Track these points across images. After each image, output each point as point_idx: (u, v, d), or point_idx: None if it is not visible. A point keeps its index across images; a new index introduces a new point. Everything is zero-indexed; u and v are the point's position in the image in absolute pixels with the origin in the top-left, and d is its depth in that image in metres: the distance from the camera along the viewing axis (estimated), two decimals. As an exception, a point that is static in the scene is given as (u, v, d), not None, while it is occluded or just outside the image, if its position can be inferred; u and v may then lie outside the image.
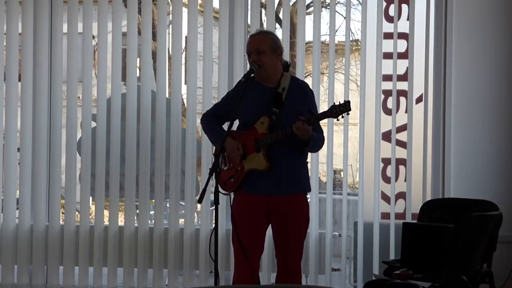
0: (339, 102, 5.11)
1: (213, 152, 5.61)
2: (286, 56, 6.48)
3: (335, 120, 5.24)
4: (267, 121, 5.19)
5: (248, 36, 5.51)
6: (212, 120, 5.46)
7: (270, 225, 5.30)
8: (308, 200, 5.37)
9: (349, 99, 5.17)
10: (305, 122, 5.02)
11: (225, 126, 5.41)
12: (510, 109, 6.53)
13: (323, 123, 5.46)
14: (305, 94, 5.30)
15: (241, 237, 5.13)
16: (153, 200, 6.93)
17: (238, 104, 5.11)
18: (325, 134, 5.40)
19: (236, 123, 5.35)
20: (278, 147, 5.15)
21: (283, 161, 5.17)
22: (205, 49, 6.86)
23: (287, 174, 5.18)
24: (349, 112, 5.07)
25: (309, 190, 5.36)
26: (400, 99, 6.79)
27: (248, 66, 5.34)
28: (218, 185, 5.07)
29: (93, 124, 6.95)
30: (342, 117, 5.11)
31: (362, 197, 6.73)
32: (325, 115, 5.12)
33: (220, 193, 5.03)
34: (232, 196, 5.28)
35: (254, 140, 5.19)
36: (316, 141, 5.17)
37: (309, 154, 5.37)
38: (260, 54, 5.23)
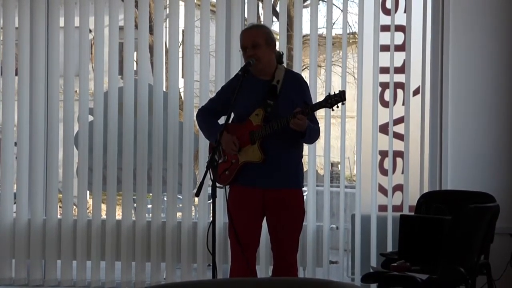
0: (334, 92, 5.09)
1: (209, 145, 5.58)
2: (283, 49, 6.51)
3: (332, 112, 5.23)
4: (262, 113, 5.17)
5: (242, 31, 5.49)
6: (207, 114, 5.45)
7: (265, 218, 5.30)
8: (305, 194, 5.36)
9: (344, 89, 5.14)
10: (300, 114, 5.00)
11: (221, 121, 5.40)
12: (507, 101, 6.53)
13: (320, 115, 5.44)
14: (299, 86, 5.28)
15: (237, 231, 5.13)
16: (151, 194, 6.93)
17: (235, 97, 5.10)
18: (322, 127, 5.39)
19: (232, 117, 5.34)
20: (273, 139, 5.13)
21: (278, 154, 5.15)
22: (202, 42, 6.85)
23: (282, 167, 5.16)
24: (344, 102, 5.05)
25: (303, 186, 5.36)
26: (397, 92, 6.80)
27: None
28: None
29: (90, 118, 6.95)
30: (337, 107, 5.08)
31: (360, 189, 6.74)
32: (320, 105, 5.09)
33: (216, 187, 5.03)
34: (228, 189, 5.28)
35: (249, 133, 5.18)
36: (312, 132, 5.15)
37: (306, 146, 5.35)
38: (255, 48, 5.21)
